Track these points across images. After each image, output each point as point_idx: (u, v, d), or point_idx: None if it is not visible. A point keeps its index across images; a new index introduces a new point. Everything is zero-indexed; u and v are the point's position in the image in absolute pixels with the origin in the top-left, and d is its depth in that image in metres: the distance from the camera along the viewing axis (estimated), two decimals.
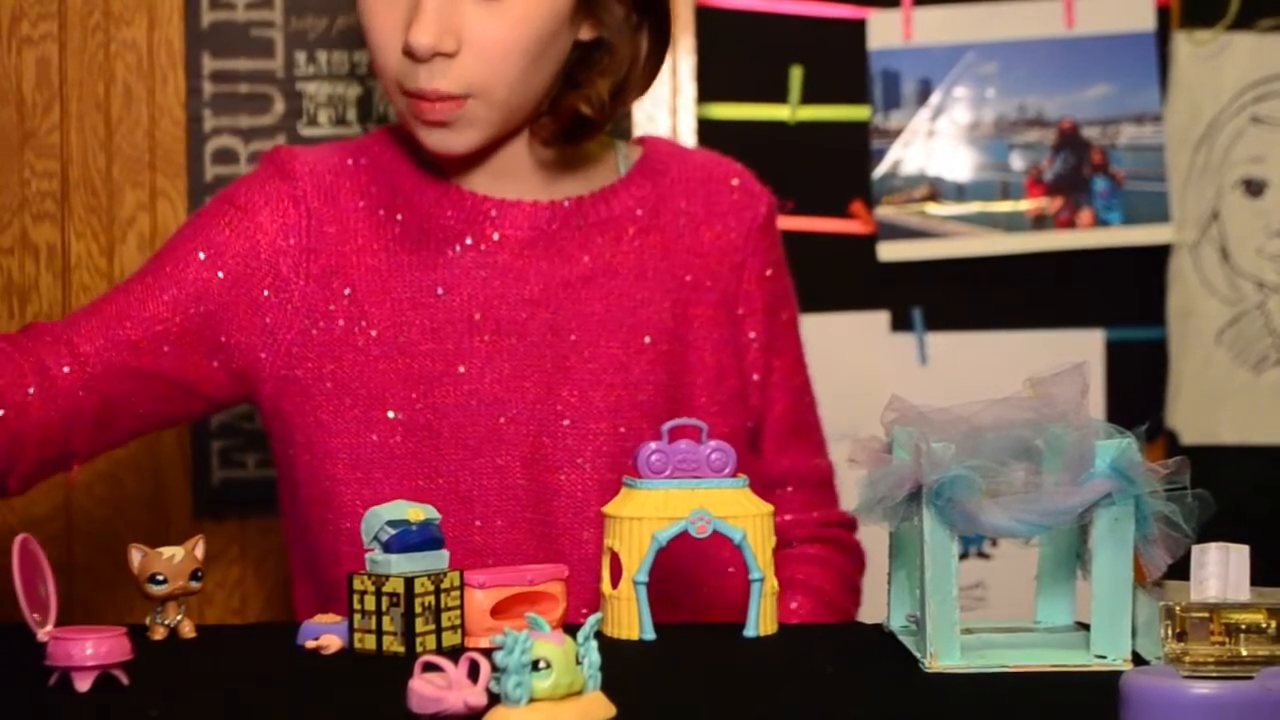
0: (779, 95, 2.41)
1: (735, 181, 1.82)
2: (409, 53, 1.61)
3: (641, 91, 1.75)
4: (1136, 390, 2.42)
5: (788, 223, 2.16)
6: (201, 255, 1.68)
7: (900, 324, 2.42)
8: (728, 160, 1.85)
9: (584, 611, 1.55)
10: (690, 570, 1.65)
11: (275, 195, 1.71)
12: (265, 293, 1.69)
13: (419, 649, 1.28)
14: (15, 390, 1.56)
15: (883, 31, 2.41)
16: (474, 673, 1.05)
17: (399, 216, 1.71)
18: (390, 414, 1.67)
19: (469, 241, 1.71)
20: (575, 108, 1.70)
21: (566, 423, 1.67)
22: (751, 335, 1.79)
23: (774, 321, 1.81)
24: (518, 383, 1.68)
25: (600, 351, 1.70)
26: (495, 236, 1.71)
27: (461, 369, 1.67)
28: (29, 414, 1.56)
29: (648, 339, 1.72)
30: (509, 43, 1.62)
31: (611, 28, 1.70)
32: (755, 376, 1.79)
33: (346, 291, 1.69)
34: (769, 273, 1.81)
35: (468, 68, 1.62)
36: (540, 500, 1.66)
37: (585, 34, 1.70)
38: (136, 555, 1.37)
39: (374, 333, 1.68)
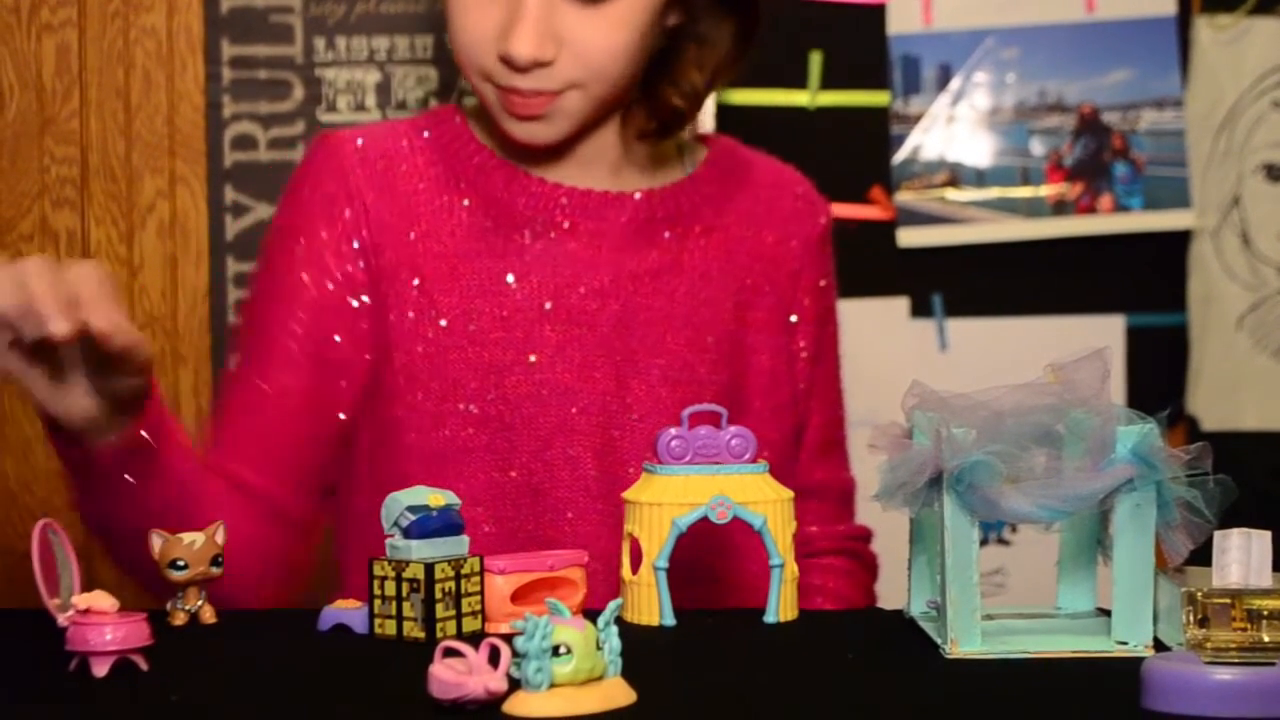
0: (798, 81, 2.40)
1: (799, 190, 1.82)
2: (507, 60, 1.59)
3: (729, 78, 1.74)
4: (1157, 376, 2.41)
5: None
6: (299, 325, 1.67)
7: (920, 310, 2.42)
8: (790, 168, 1.85)
9: None
10: (717, 561, 1.64)
11: (326, 203, 1.68)
12: (354, 303, 1.68)
13: (439, 634, 1.28)
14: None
15: (903, 16, 2.40)
16: (494, 658, 1.05)
17: (465, 201, 1.69)
18: (462, 406, 1.65)
19: (539, 229, 1.69)
20: (670, 102, 1.69)
21: (635, 417, 1.66)
22: (802, 344, 1.79)
23: (822, 333, 1.81)
24: (588, 373, 1.66)
25: (667, 348, 1.69)
26: (566, 225, 1.69)
27: (532, 358, 1.66)
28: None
29: (711, 339, 1.71)
30: (609, 45, 1.60)
31: (699, 15, 1.70)
32: (801, 385, 1.79)
33: (415, 282, 1.67)
34: (822, 284, 1.81)
35: (566, 68, 1.60)
36: (610, 493, 1.64)
37: (673, 20, 1.69)
38: (157, 541, 1.37)
39: (444, 322, 1.66)
